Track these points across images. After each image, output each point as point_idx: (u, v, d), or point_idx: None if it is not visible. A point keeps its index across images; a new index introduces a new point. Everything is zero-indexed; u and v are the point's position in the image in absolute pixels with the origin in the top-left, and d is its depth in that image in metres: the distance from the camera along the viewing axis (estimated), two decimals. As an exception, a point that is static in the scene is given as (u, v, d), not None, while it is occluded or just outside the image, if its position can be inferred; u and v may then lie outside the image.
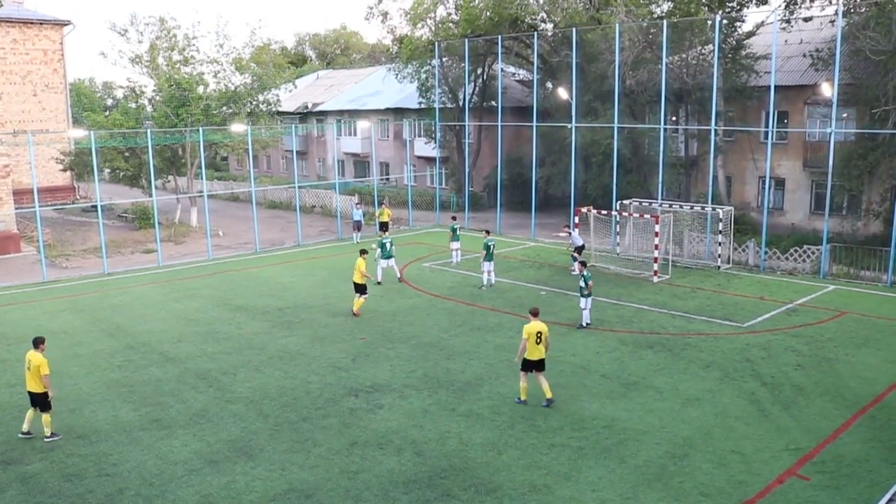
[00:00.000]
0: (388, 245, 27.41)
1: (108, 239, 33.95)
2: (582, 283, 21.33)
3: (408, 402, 16.17)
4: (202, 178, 39.44)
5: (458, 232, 30.85)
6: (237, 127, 38.98)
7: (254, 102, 43.63)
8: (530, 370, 15.87)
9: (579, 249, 28.28)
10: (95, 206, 33.63)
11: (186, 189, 43.37)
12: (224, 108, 42.25)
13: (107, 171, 46.37)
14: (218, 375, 18.04)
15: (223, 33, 43.87)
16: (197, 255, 34.08)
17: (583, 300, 21.53)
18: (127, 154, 41.13)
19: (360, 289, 23.54)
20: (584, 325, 21.67)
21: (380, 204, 38.54)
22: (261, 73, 43.80)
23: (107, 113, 50.83)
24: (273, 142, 48.35)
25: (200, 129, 35.99)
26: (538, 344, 15.64)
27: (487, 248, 26.62)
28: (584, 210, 30.78)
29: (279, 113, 52.38)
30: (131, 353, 19.84)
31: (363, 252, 24.26)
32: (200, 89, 41.47)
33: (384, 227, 35.69)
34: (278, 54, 58.78)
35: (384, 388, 17.02)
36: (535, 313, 16.12)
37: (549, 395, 15.89)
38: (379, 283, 27.05)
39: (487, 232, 28.66)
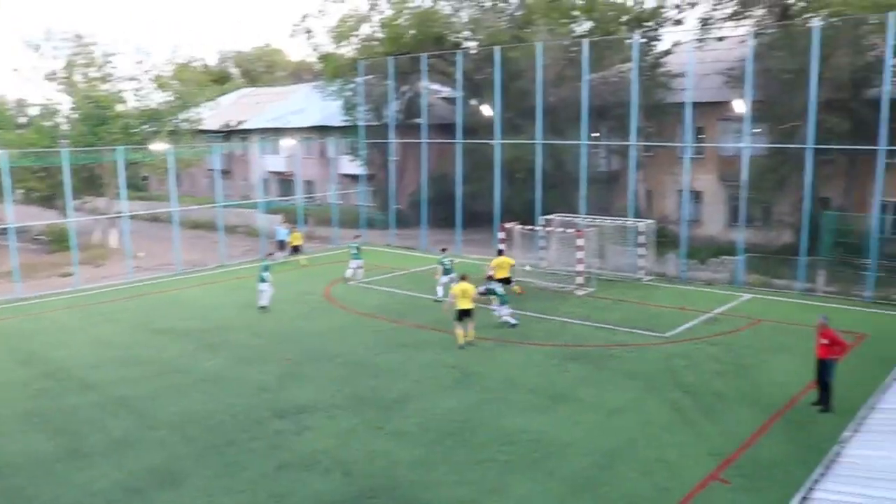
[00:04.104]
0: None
1: (22, 262, 32.69)
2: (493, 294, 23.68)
3: (335, 422, 16.03)
4: (122, 199, 38.38)
5: (359, 251, 31.33)
6: (158, 146, 38.16)
7: (175, 121, 42.83)
8: (462, 319, 21.05)
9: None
10: (7, 229, 32.36)
11: (105, 210, 42.19)
12: (145, 126, 41.34)
13: (19, 191, 44.72)
14: (139, 401, 17.54)
15: (143, 50, 42.97)
16: (116, 278, 33.14)
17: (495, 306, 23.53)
18: (42, 174, 39.82)
19: (507, 281, 26.47)
20: (502, 321, 23.38)
21: (289, 226, 37.95)
22: (182, 91, 43.02)
23: (20, 131, 49.02)
24: (195, 161, 47.47)
25: (120, 148, 35.10)
26: (464, 297, 20.97)
27: (443, 264, 27.55)
28: (508, 226, 31.09)
29: (202, 131, 51.49)
30: (47, 381, 19.12)
31: (500, 252, 28.40)
32: (120, 107, 40.50)
33: (297, 250, 35.78)
34: (200, 72, 57.88)
35: (311, 408, 16.83)
36: (464, 277, 22.11)
37: (471, 338, 21.18)
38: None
39: (444, 250, 29.53)
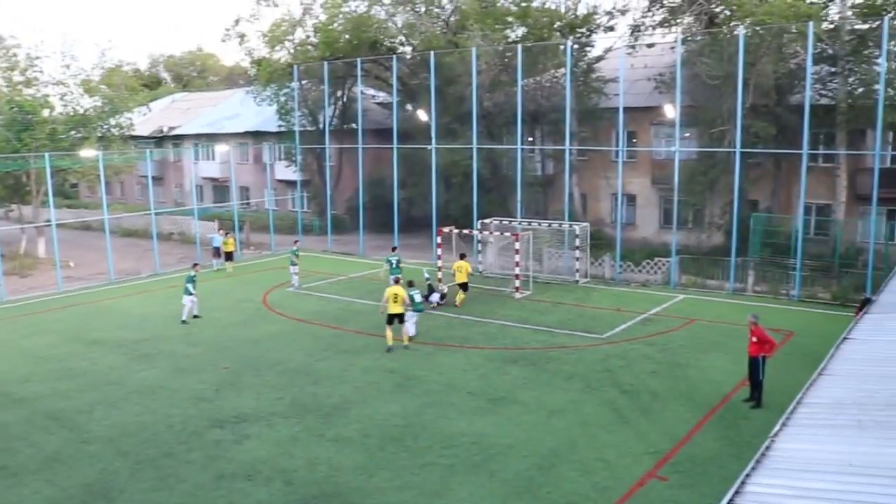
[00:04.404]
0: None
1: (-56, 274, 31.52)
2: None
3: (275, 430, 15.86)
4: (50, 207, 37.28)
5: (297, 256, 31.32)
6: (87, 152, 37.17)
7: (105, 126, 41.77)
8: (392, 322, 21.44)
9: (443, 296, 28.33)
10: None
11: (32, 218, 40.92)
12: (73, 132, 40.21)
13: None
14: (72, 415, 17.06)
15: (70, 53, 41.60)
16: (46, 289, 32.16)
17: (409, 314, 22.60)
18: (-37, 182, 38.43)
19: (464, 287, 27.08)
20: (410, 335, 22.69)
21: (225, 233, 37.44)
22: (112, 96, 42.00)
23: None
24: (127, 167, 46.40)
25: (46, 154, 34.04)
26: (395, 302, 21.25)
27: (389, 262, 28.55)
28: (446, 230, 31.22)
29: (133, 137, 50.34)
30: (-28, 396, 18.47)
31: (463, 256, 28.12)
32: (46, 112, 39.30)
33: (229, 256, 35.65)
34: (130, 76, 56.48)
35: (250, 417, 16.62)
36: (397, 280, 22.50)
37: (406, 341, 21.64)
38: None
39: (394, 248, 30.96)
